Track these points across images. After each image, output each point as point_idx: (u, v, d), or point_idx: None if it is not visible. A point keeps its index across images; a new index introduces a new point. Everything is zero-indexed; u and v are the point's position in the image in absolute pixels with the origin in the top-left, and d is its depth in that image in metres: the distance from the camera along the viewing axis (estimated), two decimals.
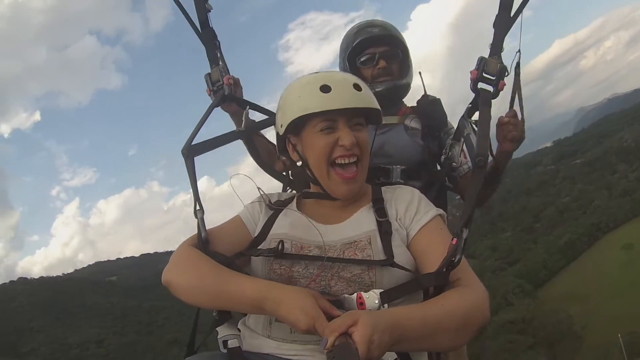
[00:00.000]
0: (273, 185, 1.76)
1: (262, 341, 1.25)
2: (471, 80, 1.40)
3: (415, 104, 2.14)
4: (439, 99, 2.13)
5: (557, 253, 67.26)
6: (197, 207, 1.31)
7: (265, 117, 1.79)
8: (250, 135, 1.75)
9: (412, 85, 2.15)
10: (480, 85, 1.36)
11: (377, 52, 2.04)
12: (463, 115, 1.62)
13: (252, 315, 1.31)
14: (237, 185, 1.47)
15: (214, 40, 1.67)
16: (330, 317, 1.04)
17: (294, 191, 1.65)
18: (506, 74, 1.43)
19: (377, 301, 1.12)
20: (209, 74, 1.64)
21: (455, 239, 1.11)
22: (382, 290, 1.14)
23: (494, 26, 1.39)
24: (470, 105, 1.60)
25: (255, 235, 1.37)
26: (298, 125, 1.31)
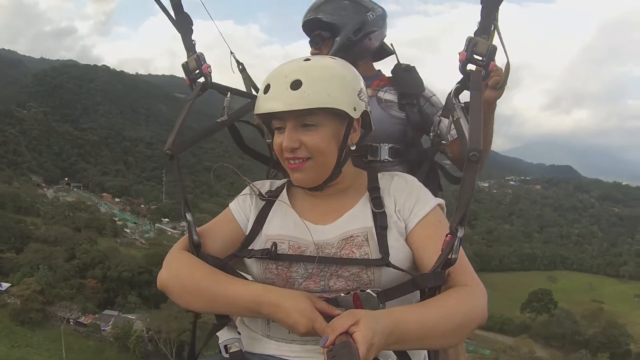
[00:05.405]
0: None
1: (262, 342, 1.26)
2: (460, 62, 1.32)
3: (390, 74, 2.10)
4: (413, 67, 2.08)
5: None
6: (187, 209, 1.26)
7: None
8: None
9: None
10: (470, 67, 1.30)
11: (311, 37, 2.07)
12: (450, 95, 1.51)
13: None
14: None
15: (189, 26, 1.54)
16: (328, 317, 1.04)
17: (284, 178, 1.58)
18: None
19: (374, 301, 1.11)
20: (187, 62, 1.53)
21: (449, 235, 1.09)
22: (380, 289, 1.14)
23: (481, 3, 1.30)
24: (458, 85, 1.49)
25: (247, 233, 1.34)
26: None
